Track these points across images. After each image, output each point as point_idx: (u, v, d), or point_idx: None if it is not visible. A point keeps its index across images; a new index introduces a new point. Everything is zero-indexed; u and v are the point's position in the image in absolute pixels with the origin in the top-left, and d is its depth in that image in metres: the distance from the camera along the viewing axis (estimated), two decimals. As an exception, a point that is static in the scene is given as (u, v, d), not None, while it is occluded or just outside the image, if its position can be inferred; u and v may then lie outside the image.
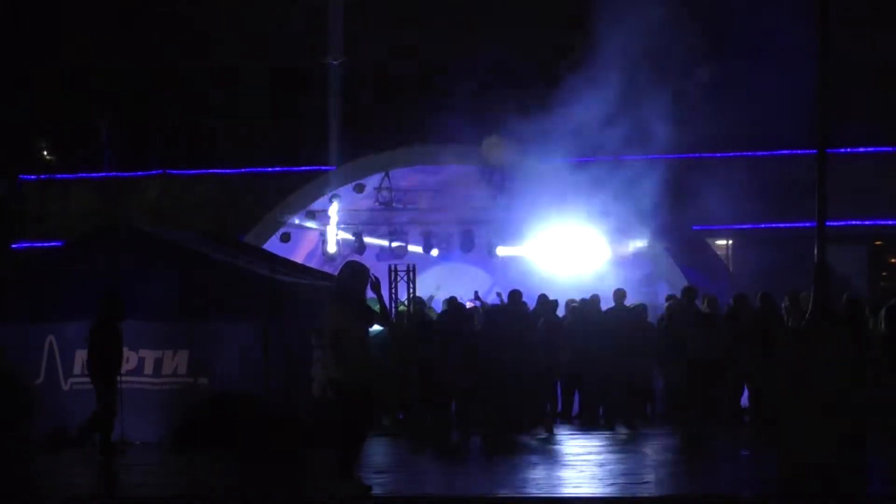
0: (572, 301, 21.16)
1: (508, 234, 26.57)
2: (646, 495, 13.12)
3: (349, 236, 27.31)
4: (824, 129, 13.64)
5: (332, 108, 32.21)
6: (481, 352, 19.64)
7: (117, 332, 16.94)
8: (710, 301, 20.16)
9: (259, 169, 30.66)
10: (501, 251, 26.73)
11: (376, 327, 21.23)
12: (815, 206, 13.53)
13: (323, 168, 28.40)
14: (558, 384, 20.73)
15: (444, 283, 25.83)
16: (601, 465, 15.67)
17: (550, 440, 18.44)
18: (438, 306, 22.60)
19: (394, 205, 27.03)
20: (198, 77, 32.18)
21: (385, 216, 27.54)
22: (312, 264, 26.06)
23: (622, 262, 26.10)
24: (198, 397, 17.83)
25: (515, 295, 20.21)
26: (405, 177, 27.28)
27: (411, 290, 23.48)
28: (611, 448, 17.40)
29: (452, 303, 21.04)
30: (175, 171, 30.95)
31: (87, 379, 18.36)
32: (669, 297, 21.39)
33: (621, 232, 25.43)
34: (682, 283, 23.62)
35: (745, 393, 19.79)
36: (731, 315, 19.75)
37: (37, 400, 18.34)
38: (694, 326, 19.02)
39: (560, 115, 23.17)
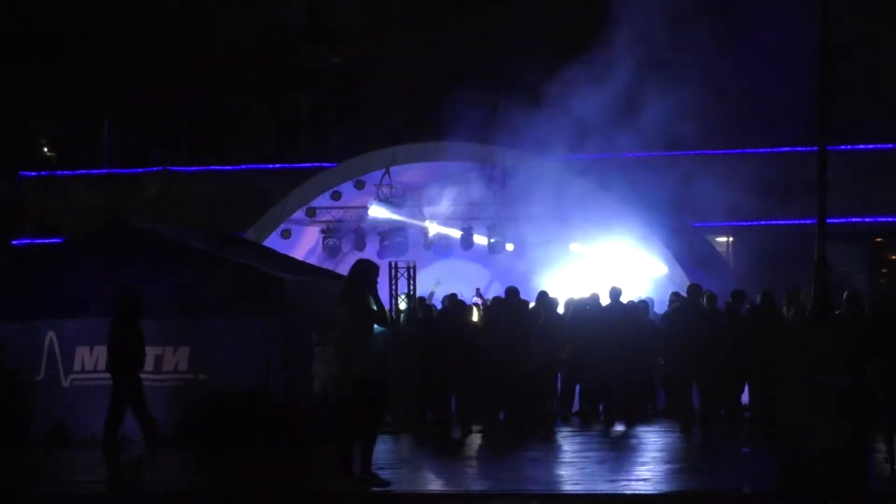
0: (571, 298, 21.16)
1: (508, 231, 26.55)
2: (645, 492, 13.13)
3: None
4: (824, 126, 13.64)
5: (333, 104, 32.25)
6: (480, 349, 19.64)
7: (137, 329, 16.87)
8: (709, 298, 20.15)
9: (260, 166, 30.65)
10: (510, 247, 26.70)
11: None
12: (816, 203, 13.53)
13: (324, 165, 28.39)
14: (558, 381, 20.73)
15: (443, 280, 25.82)
16: (601, 462, 15.68)
17: (550, 437, 18.45)
18: (438, 303, 22.59)
19: (394, 201, 27.00)
20: (198, 74, 32.17)
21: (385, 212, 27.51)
22: (313, 261, 26.06)
23: (622, 260, 26.09)
24: (198, 394, 17.82)
25: (512, 292, 20.17)
26: (406, 173, 27.26)
27: (412, 288, 23.49)
28: (610, 445, 17.41)
29: (452, 300, 21.05)
30: (176, 168, 30.96)
31: (87, 375, 18.43)
32: (674, 295, 21.35)
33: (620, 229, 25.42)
34: (682, 279, 23.63)
35: (746, 390, 19.78)
36: (730, 312, 19.74)
37: (37, 397, 18.33)
38: (697, 324, 19.01)
39: (560, 112, 23.17)
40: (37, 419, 18.19)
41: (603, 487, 13.45)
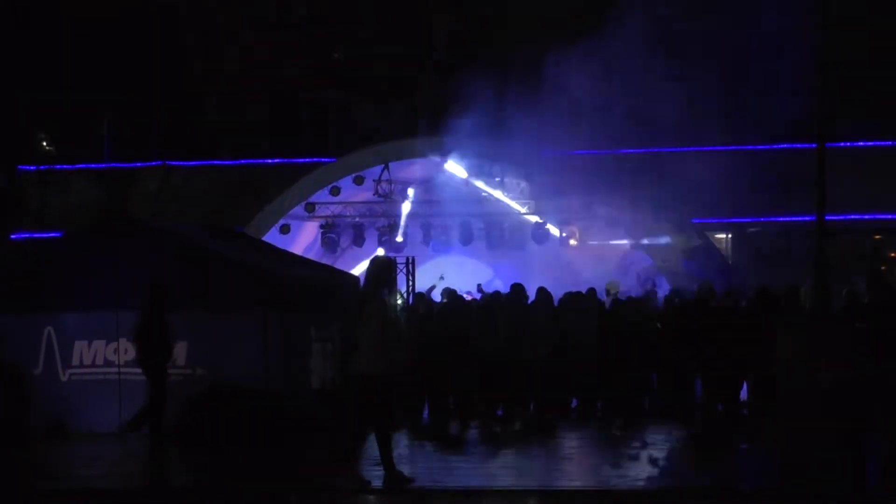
0: (568, 293, 21.13)
1: (507, 226, 26.58)
2: (642, 488, 13.14)
3: None
4: (823, 124, 13.65)
5: (332, 100, 32.23)
6: (478, 344, 19.63)
7: (164, 321, 16.86)
8: (710, 293, 20.13)
9: (259, 160, 30.64)
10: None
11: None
12: (815, 201, 13.54)
13: (323, 160, 28.39)
14: (557, 376, 20.70)
15: (444, 276, 25.84)
16: (598, 457, 15.69)
17: (548, 433, 18.45)
18: (438, 298, 22.58)
19: (393, 197, 27.03)
20: (198, 68, 32.17)
21: (384, 208, 27.55)
22: (312, 256, 26.07)
23: (620, 255, 26.13)
24: (197, 389, 17.81)
25: (517, 288, 20.22)
26: (405, 169, 27.28)
27: (411, 283, 23.51)
28: (608, 441, 17.42)
29: (451, 295, 21.05)
30: (175, 163, 30.93)
31: (86, 369, 18.43)
32: (674, 292, 21.34)
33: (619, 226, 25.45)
34: (681, 276, 23.64)
35: (744, 386, 19.77)
36: (728, 308, 19.74)
37: (35, 391, 18.33)
38: (699, 321, 19.01)
39: (559, 108, 23.17)
40: (35, 413, 18.17)
41: (601, 483, 13.47)
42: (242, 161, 30.68)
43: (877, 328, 14.22)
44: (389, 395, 13.34)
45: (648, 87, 23.61)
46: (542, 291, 20.32)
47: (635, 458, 15.46)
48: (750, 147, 28.35)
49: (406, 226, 27.23)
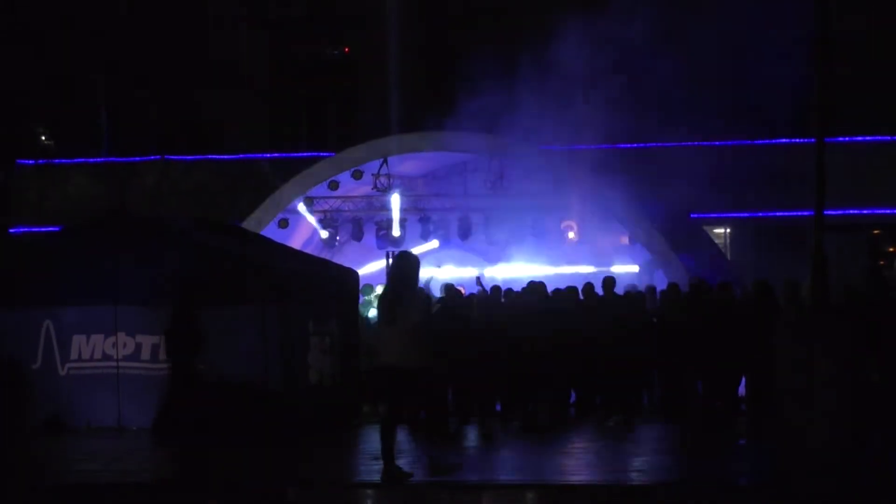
0: (566, 288, 21.10)
1: (506, 221, 26.54)
2: (641, 483, 13.14)
3: None
4: (823, 118, 13.64)
5: (332, 94, 32.21)
6: (477, 339, 19.59)
7: (195, 317, 16.85)
8: (706, 288, 20.12)
9: (257, 155, 30.62)
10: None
11: (374, 313, 21.31)
12: (814, 195, 13.53)
13: (321, 154, 28.36)
14: (555, 372, 20.68)
15: (441, 268, 25.82)
16: (597, 453, 15.68)
17: (547, 428, 18.45)
18: (436, 291, 22.54)
19: (392, 191, 26.98)
20: (197, 62, 32.13)
21: (383, 202, 27.51)
22: (310, 251, 26.04)
23: (619, 251, 26.10)
24: (195, 383, 17.77)
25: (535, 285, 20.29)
26: (404, 163, 27.25)
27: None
28: (607, 436, 17.41)
29: (450, 289, 21.00)
30: (173, 157, 30.92)
31: (84, 364, 18.42)
32: (671, 287, 21.30)
33: (618, 220, 25.41)
34: (679, 271, 23.61)
35: (743, 382, 19.77)
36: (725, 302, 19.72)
37: (34, 385, 18.32)
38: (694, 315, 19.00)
39: (558, 102, 23.15)
40: (33, 408, 18.15)
41: (600, 478, 13.47)
42: (241, 155, 30.66)
43: (875, 323, 14.21)
44: (421, 388, 13.48)
45: (648, 81, 23.61)
46: (534, 285, 20.28)
47: (637, 453, 15.48)
48: (749, 142, 28.37)
49: (404, 220, 27.18)
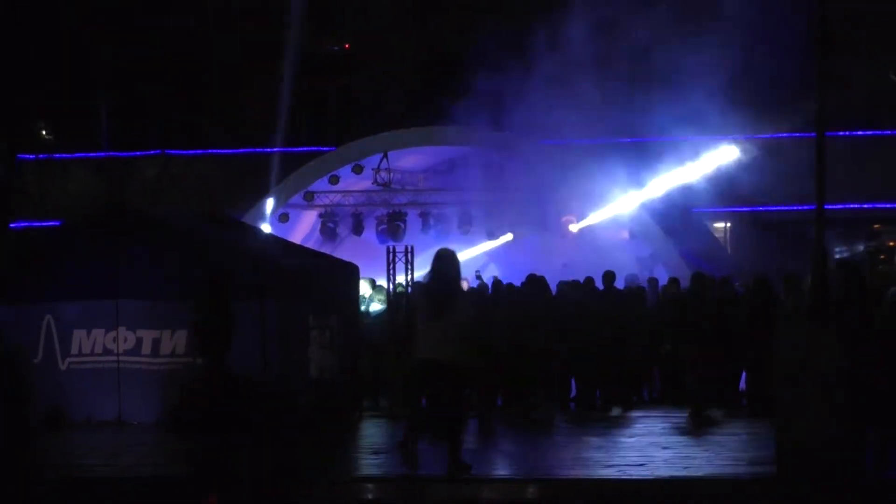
0: (563, 283, 21.12)
1: (506, 215, 26.58)
2: (642, 477, 13.14)
3: None
4: (823, 113, 13.63)
5: (332, 89, 32.20)
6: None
7: (226, 309, 16.85)
8: (709, 282, 20.11)
9: (258, 149, 30.63)
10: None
11: (377, 307, 21.32)
12: (814, 190, 13.52)
13: (322, 149, 28.37)
14: (555, 366, 20.70)
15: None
16: (597, 447, 15.69)
17: (547, 422, 18.46)
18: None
19: (392, 186, 27.02)
20: (197, 58, 32.11)
21: (383, 197, 27.55)
22: (310, 245, 26.06)
23: (620, 245, 26.13)
24: (196, 378, 17.79)
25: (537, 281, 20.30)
26: (404, 158, 27.28)
27: (409, 272, 23.46)
28: (607, 431, 17.42)
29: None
30: (173, 151, 30.93)
31: (85, 358, 18.43)
32: (673, 281, 21.34)
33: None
34: (680, 265, 23.63)
35: (743, 376, 19.78)
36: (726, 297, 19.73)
37: (34, 379, 18.32)
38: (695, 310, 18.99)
39: (558, 97, 23.16)
40: (34, 402, 18.16)
41: (600, 473, 13.47)
42: (241, 150, 30.67)
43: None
44: (465, 383, 13.62)
45: (648, 75, 23.61)
46: (534, 278, 20.29)
47: (637, 447, 15.49)
48: (750, 136, 28.34)
49: (405, 214, 27.21)
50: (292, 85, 32.18)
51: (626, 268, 24.34)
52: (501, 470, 13.77)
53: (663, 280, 22.30)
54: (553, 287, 20.63)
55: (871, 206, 28.25)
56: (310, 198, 27.62)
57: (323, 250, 24.47)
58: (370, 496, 12.71)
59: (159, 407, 17.92)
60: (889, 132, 28.49)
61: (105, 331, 18.41)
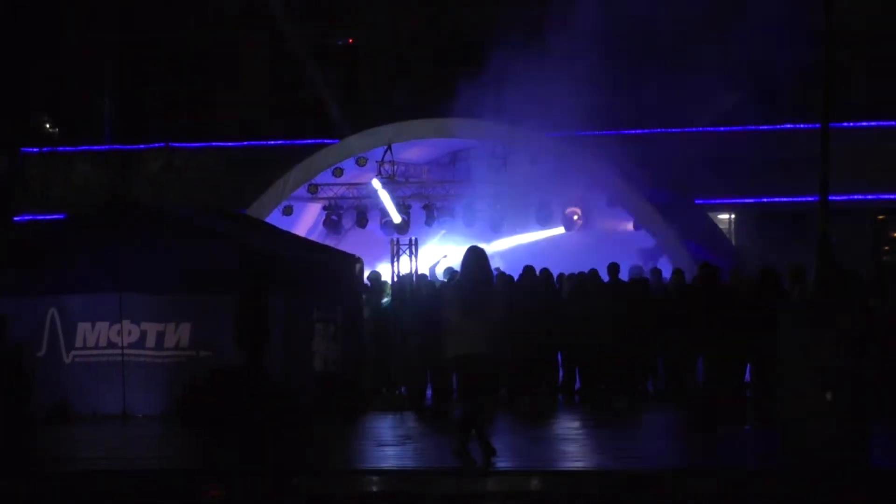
0: (571, 275, 21.11)
1: (511, 207, 26.54)
2: (646, 469, 13.14)
3: None
4: (827, 103, 13.61)
5: (336, 81, 32.14)
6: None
7: (265, 305, 16.86)
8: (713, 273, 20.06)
9: (261, 142, 30.61)
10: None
11: (387, 300, 21.30)
12: (818, 181, 13.51)
13: (326, 141, 28.34)
14: (559, 358, 20.72)
15: (447, 255, 25.83)
16: (601, 439, 15.69)
17: (551, 414, 18.46)
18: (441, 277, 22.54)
19: (396, 178, 26.99)
20: (201, 49, 32.09)
21: (387, 189, 27.50)
22: (314, 238, 26.04)
23: (624, 236, 26.09)
24: (200, 371, 17.81)
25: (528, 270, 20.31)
26: (408, 150, 27.24)
27: (414, 264, 23.47)
28: (611, 422, 17.42)
29: (454, 275, 21.00)
30: (177, 144, 30.90)
31: (89, 351, 18.44)
32: (677, 272, 21.33)
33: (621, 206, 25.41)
34: (684, 257, 23.60)
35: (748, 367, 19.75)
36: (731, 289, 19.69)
37: (38, 373, 18.33)
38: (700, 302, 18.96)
39: (561, 90, 23.12)
40: (38, 396, 18.17)
41: (603, 464, 13.48)
42: (245, 143, 30.65)
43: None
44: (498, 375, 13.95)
45: (653, 67, 23.58)
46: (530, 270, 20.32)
47: (641, 439, 15.48)
48: (754, 127, 28.32)
49: (409, 206, 27.18)
50: (297, 77, 32.19)
51: (630, 259, 24.33)
52: (502, 462, 13.74)
53: (667, 272, 22.28)
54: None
55: (875, 196, 28.21)
56: (314, 190, 27.59)
57: (327, 243, 24.47)
58: (376, 489, 12.71)
59: (164, 400, 17.93)
60: (894, 123, 28.42)
61: (109, 324, 18.41)
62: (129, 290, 18.23)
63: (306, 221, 28.44)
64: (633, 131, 27.24)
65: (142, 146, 31.03)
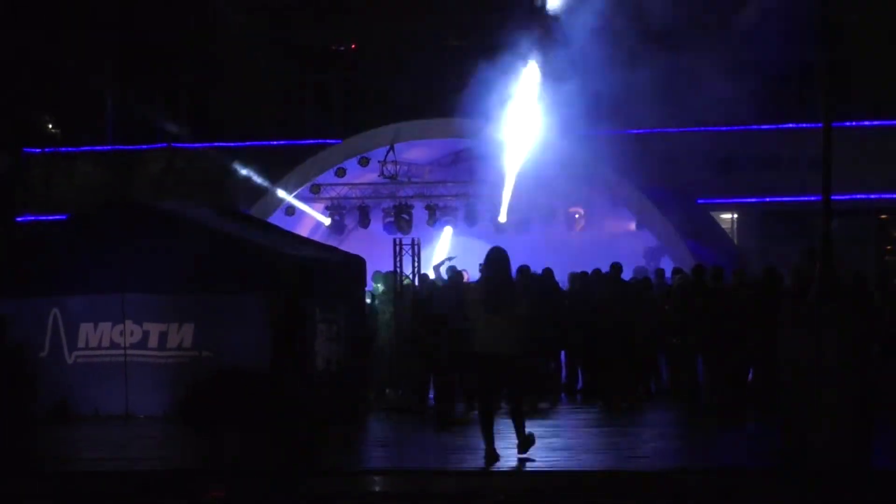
0: (574, 274, 21.10)
1: (514, 207, 26.53)
2: (647, 469, 13.14)
3: None
4: (829, 103, 13.59)
5: (338, 81, 32.16)
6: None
7: (300, 307, 16.90)
8: (714, 274, 20.06)
9: (264, 142, 30.61)
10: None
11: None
12: (821, 180, 13.49)
13: (328, 141, 28.35)
14: (562, 358, 20.71)
15: (451, 255, 25.84)
16: (603, 438, 15.69)
17: (552, 414, 18.46)
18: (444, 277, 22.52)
19: (398, 178, 27.00)
20: (203, 51, 32.11)
21: (390, 189, 27.53)
22: (317, 238, 26.05)
23: (626, 236, 26.10)
24: (203, 371, 17.81)
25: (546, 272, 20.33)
26: (410, 150, 27.25)
27: (416, 264, 23.46)
28: (612, 422, 17.42)
29: (457, 275, 21.00)
30: (180, 145, 30.92)
31: (92, 352, 18.43)
32: (677, 272, 21.33)
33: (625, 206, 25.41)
34: (687, 256, 23.60)
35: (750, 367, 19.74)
36: (734, 289, 19.67)
37: (41, 373, 18.34)
38: (702, 302, 18.95)
39: (565, 90, 23.12)
40: (40, 396, 18.18)
41: (605, 464, 13.47)
42: (247, 143, 30.65)
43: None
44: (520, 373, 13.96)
45: (656, 67, 23.57)
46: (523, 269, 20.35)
47: (642, 438, 15.47)
48: (756, 127, 28.32)
49: (411, 206, 27.20)
50: (298, 78, 32.21)
51: (634, 259, 24.35)
52: (504, 462, 13.74)
53: (669, 272, 22.27)
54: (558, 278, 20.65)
55: (878, 196, 28.20)
56: (316, 190, 27.61)
57: (329, 243, 24.47)
58: (378, 489, 12.72)
59: (166, 400, 17.93)
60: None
61: (112, 324, 18.41)
62: (131, 291, 18.22)
63: (309, 221, 28.45)
64: (636, 131, 27.22)
65: (144, 146, 31.04)
